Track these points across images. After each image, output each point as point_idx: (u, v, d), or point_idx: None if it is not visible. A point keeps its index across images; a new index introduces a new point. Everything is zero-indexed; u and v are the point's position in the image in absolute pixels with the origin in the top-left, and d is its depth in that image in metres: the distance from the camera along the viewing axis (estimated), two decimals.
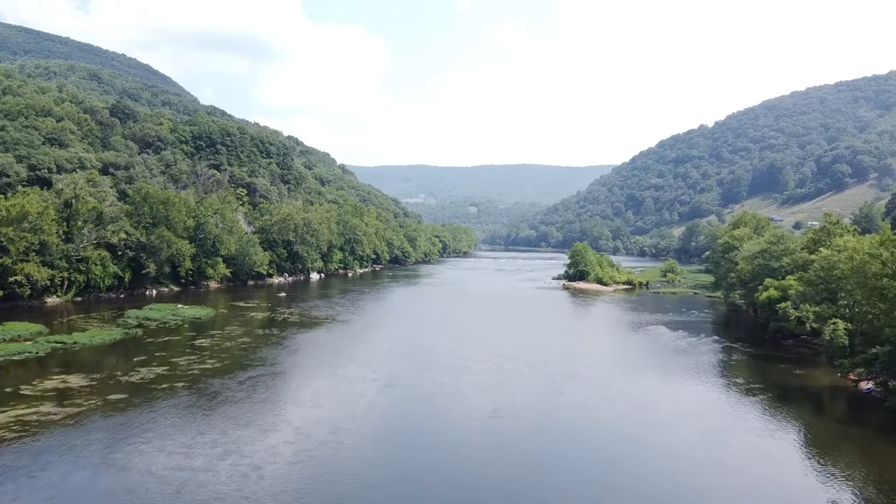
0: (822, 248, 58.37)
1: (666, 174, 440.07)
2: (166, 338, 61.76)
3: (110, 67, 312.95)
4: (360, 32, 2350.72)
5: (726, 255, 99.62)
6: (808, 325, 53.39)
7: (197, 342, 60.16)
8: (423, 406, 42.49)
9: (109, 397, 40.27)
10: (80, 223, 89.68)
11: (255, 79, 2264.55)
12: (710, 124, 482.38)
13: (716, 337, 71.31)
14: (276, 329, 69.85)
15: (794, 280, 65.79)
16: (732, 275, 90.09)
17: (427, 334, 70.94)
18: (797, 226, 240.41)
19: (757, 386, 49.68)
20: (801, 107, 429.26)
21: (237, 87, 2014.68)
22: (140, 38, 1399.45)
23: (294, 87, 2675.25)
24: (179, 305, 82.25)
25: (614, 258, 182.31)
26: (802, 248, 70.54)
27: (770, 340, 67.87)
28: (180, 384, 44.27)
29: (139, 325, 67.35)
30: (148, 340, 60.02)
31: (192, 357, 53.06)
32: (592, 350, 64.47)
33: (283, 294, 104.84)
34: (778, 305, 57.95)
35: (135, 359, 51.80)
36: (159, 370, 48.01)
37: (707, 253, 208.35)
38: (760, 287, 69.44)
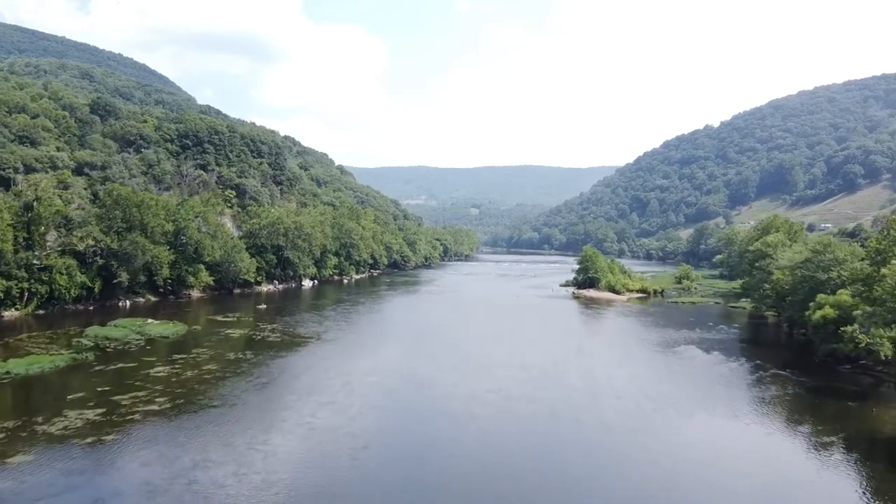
0: (893, 260, 49.27)
1: (671, 175, 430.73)
2: (119, 364, 52.68)
3: (106, 66, 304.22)
4: (360, 32, 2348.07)
5: (757, 264, 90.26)
6: (881, 352, 44.43)
7: (154, 371, 50.99)
8: (411, 486, 31.41)
9: (10, 460, 31.19)
10: (42, 228, 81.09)
11: (255, 79, 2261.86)
12: (716, 124, 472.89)
13: (758, 361, 61.52)
14: (250, 352, 60.54)
15: (848, 295, 56.84)
16: (767, 286, 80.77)
17: (423, 361, 60.58)
18: (810, 228, 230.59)
19: (832, 438, 39.88)
20: (809, 106, 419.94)
21: (237, 88, 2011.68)
22: (140, 38, 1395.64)
23: (294, 87, 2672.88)
24: (149, 321, 73.40)
25: (621, 261, 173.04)
26: (862, 259, 61.21)
27: (822, 365, 58.49)
28: (109, 437, 35.07)
29: (95, 347, 58.46)
30: (97, 368, 50.93)
31: (140, 393, 43.93)
32: (620, 382, 53.84)
33: (263, 306, 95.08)
34: (842, 329, 48.91)
35: (69, 396, 42.69)
36: (92, 413, 38.88)
37: (719, 256, 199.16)
38: (812, 304, 60.06)
